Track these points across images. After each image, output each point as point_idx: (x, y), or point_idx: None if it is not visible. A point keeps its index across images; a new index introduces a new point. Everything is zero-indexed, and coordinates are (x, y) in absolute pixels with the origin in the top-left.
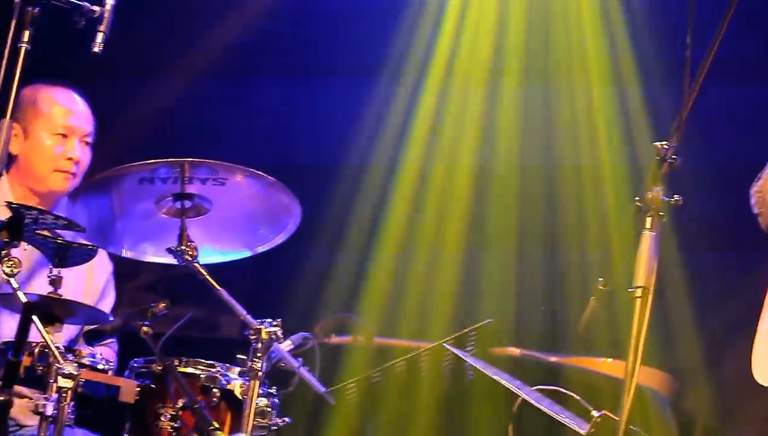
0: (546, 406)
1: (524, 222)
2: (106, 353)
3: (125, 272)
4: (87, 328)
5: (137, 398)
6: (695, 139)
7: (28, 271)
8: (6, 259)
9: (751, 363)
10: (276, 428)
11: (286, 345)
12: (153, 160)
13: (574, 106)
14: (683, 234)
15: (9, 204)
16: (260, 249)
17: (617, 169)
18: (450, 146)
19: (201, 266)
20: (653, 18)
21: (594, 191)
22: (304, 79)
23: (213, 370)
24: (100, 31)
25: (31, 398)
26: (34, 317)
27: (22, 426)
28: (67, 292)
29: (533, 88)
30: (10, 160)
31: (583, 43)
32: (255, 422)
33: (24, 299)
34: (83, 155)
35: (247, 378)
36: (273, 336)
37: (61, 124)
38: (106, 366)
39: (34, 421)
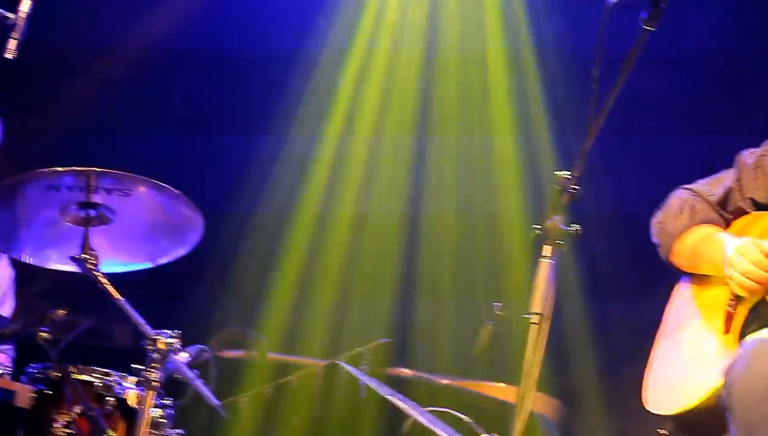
0: (437, 427)
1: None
2: (1, 358)
3: (24, 278)
4: None
5: (32, 403)
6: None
7: None
8: None
9: (642, 391)
10: None
11: (183, 357)
12: (59, 168)
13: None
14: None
15: None
16: (161, 261)
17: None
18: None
19: (102, 274)
20: (565, 67)
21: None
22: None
23: (108, 378)
24: (14, 38)
25: None
26: None
27: None
28: None
29: (444, 137)
30: None
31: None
32: (148, 433)
33: None
34: None
35: (142, 388)
36: (170, 347)
37: None
38: (2, 371)
39: None
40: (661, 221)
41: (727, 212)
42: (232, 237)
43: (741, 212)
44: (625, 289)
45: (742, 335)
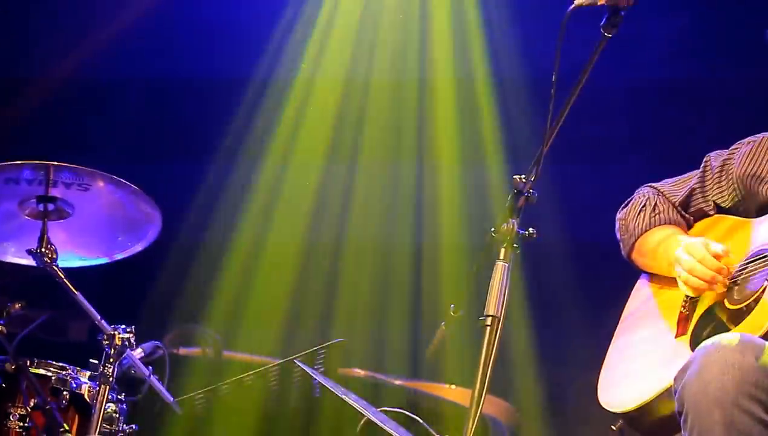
0: (390, 428)
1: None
2: None
3: None
4: None
5: None
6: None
7: None
8: None
9: (597, 389)
10: (122, 434)
11: (138, 353)
12: (18, 161)
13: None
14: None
15: None
16: (118, 256)
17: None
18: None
19: (59, 269)
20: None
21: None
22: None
23: (64, 372)
24: None
25: None
26: None
27: None
28: None
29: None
30: None
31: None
32: (102, 427)
33: None
34: None
35: (97, 383)
36: (126, 343)
37: None
38: None
39: None
40: (624, 219)
41: (688, 213)
42: (190, 233)
43: (702, 214)
44: (571, 297)
45: (694, 337)
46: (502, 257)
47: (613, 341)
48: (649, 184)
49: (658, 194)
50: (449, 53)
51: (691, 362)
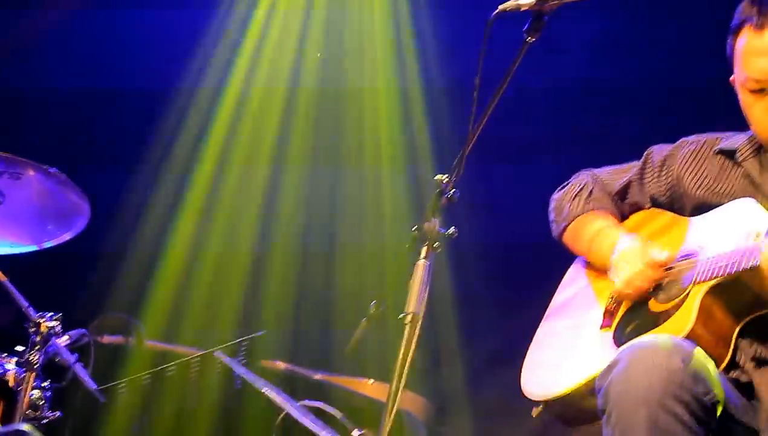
0: (309, 421)
1: (305, 229)
2: None
3: None
4: None
5: None
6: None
7: None
8: None
9: (521, 377)
10: (46, 421)
11: (64, 340)
12: None
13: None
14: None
15: None
16: (47, 244)
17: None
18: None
19: None
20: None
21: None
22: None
23: None
24: None
25: None
26: None
27: None
28: None
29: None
30: None
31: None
32: (26, 414)
33: None
34: None
35: (22, 369)
36: (51, 330)
37: None
38: None
39: None
40: (559, 200)
41: (623, 204)
42: (119, 223)
43: (638, 207)
44: (493, 294)
45: (618, 331)
46: (423, 255)
47: (541, 324)
48: (589, 169)
49: (595, 181)
50: (384, 61)
51: (618, 361)
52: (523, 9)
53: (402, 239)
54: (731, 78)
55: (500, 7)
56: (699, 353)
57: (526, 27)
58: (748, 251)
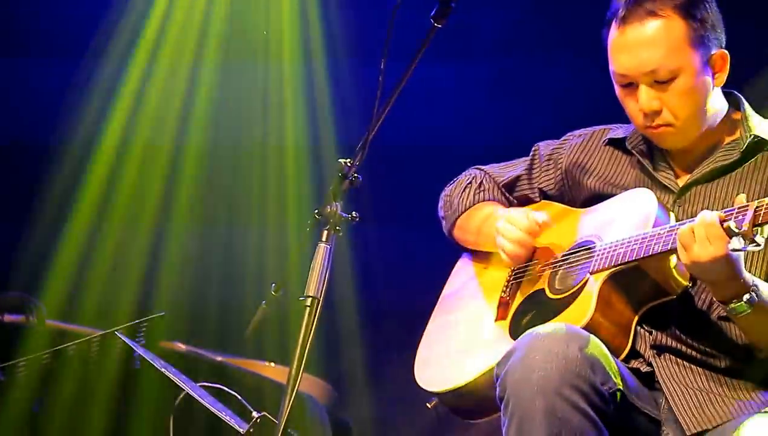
0: (208, 402)
1: (206, 211)
2: None
3: None
4: None
5: None
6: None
7: None
8: None
9: (414, 371)
10: None
11: None
12: None
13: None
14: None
15: None
16: None
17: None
18: (149, 126)
19: None
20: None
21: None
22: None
23: None
24: None
25: None
26: None
27: None
28: None
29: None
30: None
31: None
32: None
33: None
34: None
35: None
36: None
37: None
38: None
39: None
40: (449, 195)
41: (512, 196)
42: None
43: (527, 200)
44: (396, 277)
45: (514, 322)
46: (324, 239)
47: (432, 319)
48: (477, 166)
49: (484, 174)
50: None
51: (516, 350)
52: None
53: (304, 222)
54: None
55: None
56: (596, 341)
57: (433, 12)
58: (653, 238)
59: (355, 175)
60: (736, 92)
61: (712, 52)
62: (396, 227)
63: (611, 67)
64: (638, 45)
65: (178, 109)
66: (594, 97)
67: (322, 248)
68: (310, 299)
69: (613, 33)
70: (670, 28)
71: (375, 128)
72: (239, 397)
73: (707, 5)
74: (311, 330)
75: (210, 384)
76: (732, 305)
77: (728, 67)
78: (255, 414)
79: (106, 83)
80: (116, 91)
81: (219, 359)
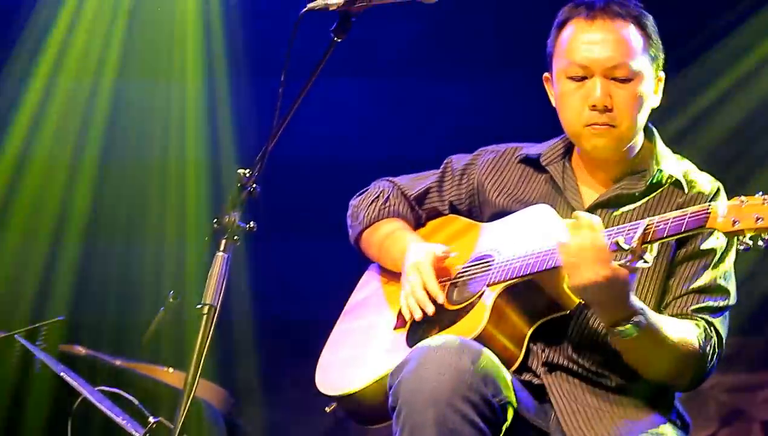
0: (106, 407)
1: (105, 219)
2: None
3: None
4: None
5: None
6: None
7: None
8: None
9: (315, 374)
10: None
11: None
12: None
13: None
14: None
15: None
16: None
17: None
18: (50, 139)
19: None
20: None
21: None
22: None
23: None
24: None
25: None
26: None
27: None
28: None
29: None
30: None
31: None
32: None
33: None
34: None
35: None
36: None
37: None
38: None
39: None
40: (356, 206)
41: (422, 209)
42: None
43: (437, 213)
44: (293, 286)
45: (411, 332)
46: (222, 248)
47: (337, 324)
48: (387, 178)
49: (393, 187)
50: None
51: (409, 360)
52: (331, 9)
53: (202, 231)
54: (545, 75)
55: (309, 5)
56: (489, 354)
57: (333, 27)
58: (547, 254)
59: (254, 185)
60: (650, 124)
61: (658, 73)
62: (295, 237)
63: (565, 61)
64: (606, 39)
65: (79, 123)
66: (491, 112)
67: (220, 257)
68: (207, 307)
69: (576, 27)
70: (635, 33)
71: (274, 140)
72: (136, 402)
73: (656, 30)
74: (208, 337)
75: (108, 388)
76: (620, 328)
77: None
78: (151, 419)
79: (8, 97)
80: (17, 104)
81: (118, 362)
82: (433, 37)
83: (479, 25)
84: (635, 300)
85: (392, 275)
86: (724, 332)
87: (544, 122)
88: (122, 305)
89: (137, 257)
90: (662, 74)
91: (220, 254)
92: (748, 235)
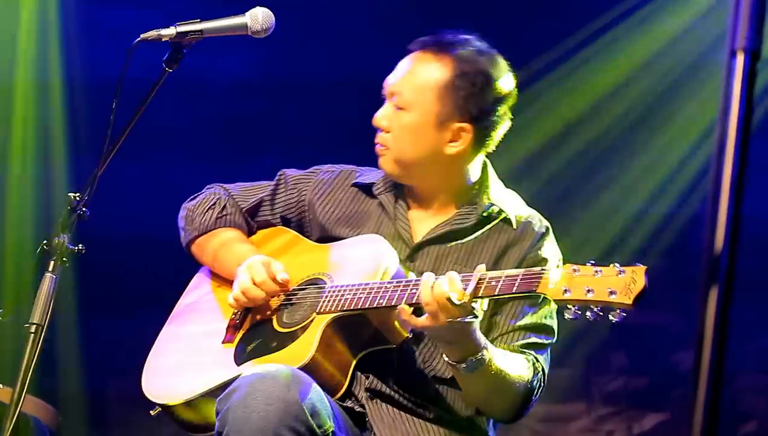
0: None
1: None
2: None
3: None
4: None
5: None
6: None
7: None
8: None
9: (141, 378)
10: None
11: None
12: None
13: None
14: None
15: None
16: None
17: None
18: None
19: None
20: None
21: None
22: None
23: None
24: None
25: None
26: None
27: None
28: None
29: None
30: None
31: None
32: None
33: None
34: None
35: None
36: None
37: None
38: None
39: None
40: (191, 210)
41: (254, 221)
42: None
43: (268, 224)
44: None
45: (239, 349)
46: (51, 269)
47: (165, 327)
48: (220, 184)
49: (228, 197)
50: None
51: (238, 388)
52: (164, 40)
53: (23, 248)
54: None
55: (142, 36)
56: (316, 387)
57: (165, 57)
58: (379, 290)
59: (83, 209)
60: (486, 157)
61: (454, 120)
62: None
63: None
64: (401, 67)
65: None
66: (328, 135)
67: (48, 278)
68: (34, 326)
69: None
70: (432, 69)
71: (104, 165)
72: None
73: (477, 80)
74: (35, 355)
75: None
76: (463, 365)
77: (468, 146)
78: None
79: None
80: None
81: None
82: (269, 62)
83: (313, 51)
84: (479, 337)
85: (223, 280)
86: (547, 368)
87: None
88: None
89: None
90: (462, 124)
91: (49, 274)
92: (577, 306)
